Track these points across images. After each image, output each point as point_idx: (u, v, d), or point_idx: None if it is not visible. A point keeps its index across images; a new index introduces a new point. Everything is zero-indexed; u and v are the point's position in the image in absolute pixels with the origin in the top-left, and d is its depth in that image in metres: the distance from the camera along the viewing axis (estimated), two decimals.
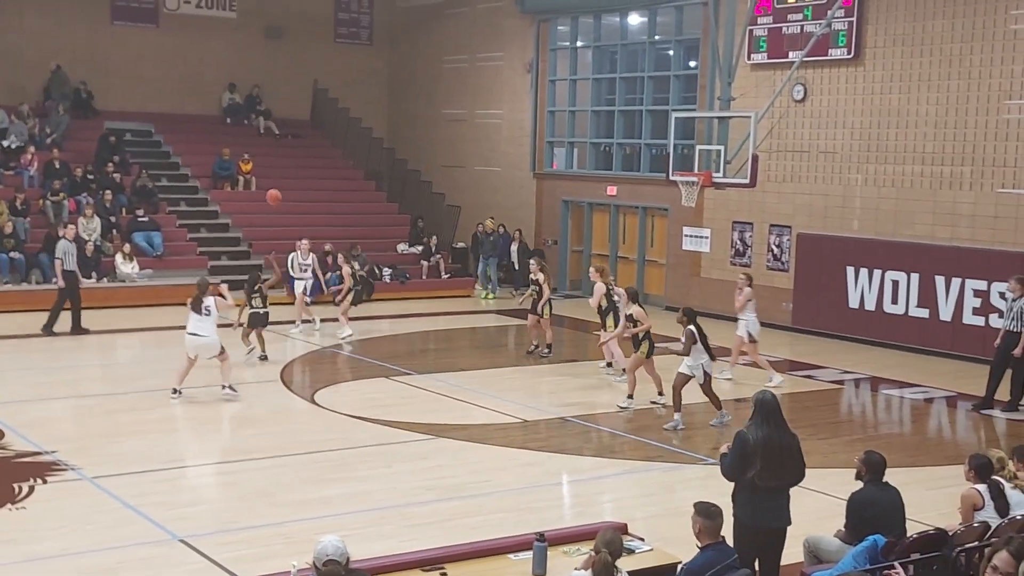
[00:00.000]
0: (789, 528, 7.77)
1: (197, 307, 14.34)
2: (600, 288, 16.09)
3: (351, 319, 19.59)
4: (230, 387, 14.53)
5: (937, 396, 16.19)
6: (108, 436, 12.88)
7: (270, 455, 12.11)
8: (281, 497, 10.83)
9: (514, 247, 26.37)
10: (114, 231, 23.86)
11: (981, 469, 8.30)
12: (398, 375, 16.45)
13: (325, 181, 28.65)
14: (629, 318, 14.74)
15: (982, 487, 8.20)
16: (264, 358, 17.10)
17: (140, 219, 24.37)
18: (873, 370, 17.73)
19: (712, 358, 13.64)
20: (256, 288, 17.26)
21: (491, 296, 25.37)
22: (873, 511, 7.85)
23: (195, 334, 14.38)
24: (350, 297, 19.57)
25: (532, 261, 18.89)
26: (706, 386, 13.65)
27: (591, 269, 17.04)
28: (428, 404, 14.84)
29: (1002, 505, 8.13)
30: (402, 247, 26.78)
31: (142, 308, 22.00)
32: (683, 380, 13.57)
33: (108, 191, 24.57)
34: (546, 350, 18.06)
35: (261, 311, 17.23)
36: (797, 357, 18.87)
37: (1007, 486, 8.30)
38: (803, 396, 16.09)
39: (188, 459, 11.92)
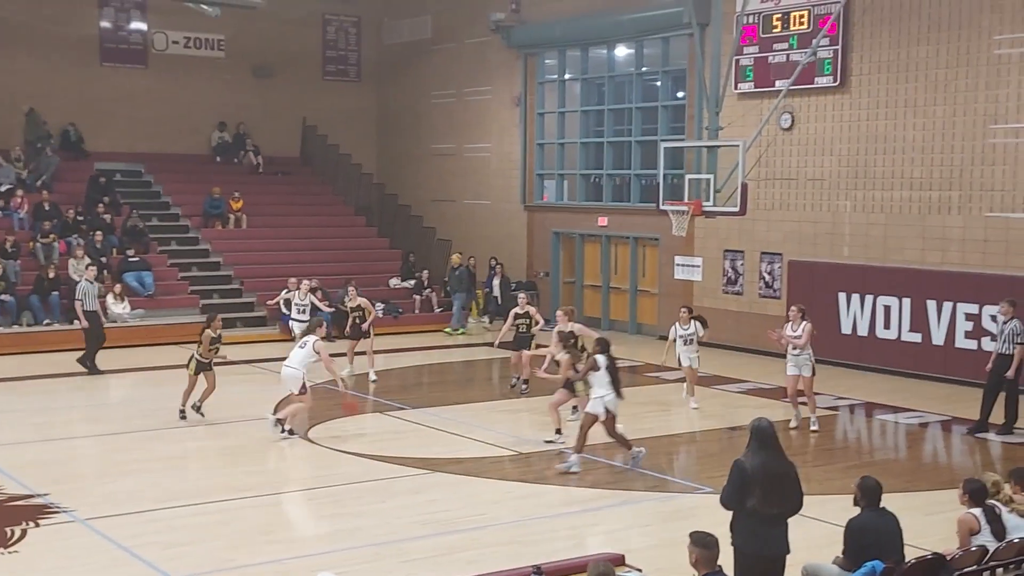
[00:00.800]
0: (788, 556, 7.74)
1: (302, 341, 14.91)
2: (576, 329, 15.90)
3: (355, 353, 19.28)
4: (289, 431, 14.49)
5: (932, 420, 16.19)
6: (101, 477, 12.81)
7: (265, 492, 12.05)
8: (277, 534, 10.77)
9: (496, 281, 26.21)
10: (105, 272, 23.81)
11: (976, 494, 8.29)
12: (392, 410, 16.40)
13: (316, 218, 28.70)
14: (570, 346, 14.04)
15: (978, 511, 8.19)
16: (186, 413, 15.65)
17: (131, 259, 24.35)
18: (867, 395, 17.72)
19: (619, 395, 12.68)
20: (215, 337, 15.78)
21: (460, 332, 24.84)
22: (871, 537, 7.83)
23: (286, 363, 14.76)
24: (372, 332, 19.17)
25: (521, 295, 18.83)
26: (609, 424, 12.74)
27: (559, 312, 16.35)
28: (422, 438, 14.80)
29: (998, 529, 8.12)
30: (394, 282, 26.79)
31: (134, 348, 21.93)
32: (591, 420, 12.74)
33: (99, 232, 24.56)
34: (524, 385, 17.71)
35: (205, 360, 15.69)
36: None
37: (1003, 510, 8.29)
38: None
39: (182, 498, 11.85)
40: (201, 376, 15.49)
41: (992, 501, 8.32)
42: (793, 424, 15.23)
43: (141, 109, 28.31)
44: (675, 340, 16.38)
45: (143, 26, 28.49)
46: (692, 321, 16.29)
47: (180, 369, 20.13)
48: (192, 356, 15.61)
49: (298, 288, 20.45)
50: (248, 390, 17.37)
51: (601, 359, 12.63)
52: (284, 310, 23.44)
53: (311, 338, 14.65)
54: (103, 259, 24.13)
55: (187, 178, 28.18)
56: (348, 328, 19.41)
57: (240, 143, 29.85)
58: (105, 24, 28.20)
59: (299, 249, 26.75)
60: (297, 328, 19.70)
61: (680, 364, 16.51)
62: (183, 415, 15.37)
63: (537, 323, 17.83)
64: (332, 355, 18.68)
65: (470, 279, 25.90)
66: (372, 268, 27.17)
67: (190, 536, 10.77)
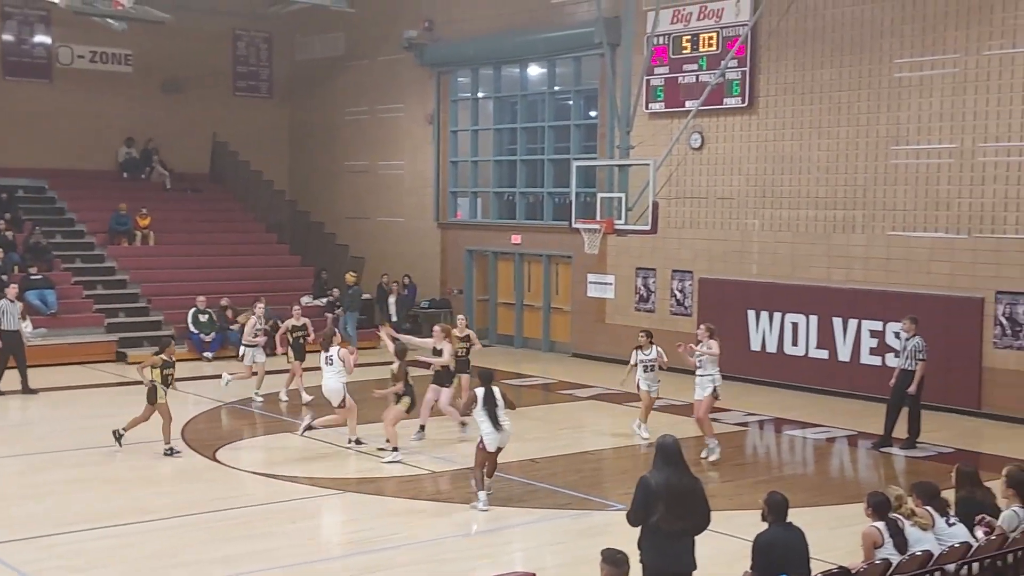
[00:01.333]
0: (695, 573, 7.80)
1: (326, 357, 14.99)
2: (449, 348, 15.76)
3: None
4: (356, 439, 14.95)
5: (838, 435, 16.49)
6: (0, 501, 12.43)
7: (170, 515, 11.81)
8: (182, 557, 10.55)
9: (391, 299, 25.71)
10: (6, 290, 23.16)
11: (879, 507, 8.47)
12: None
13: (226, 235, 28.32)
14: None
15: (881, 525, 8.36)
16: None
17: (33, 277, 23.73)
18: (776, 411, 18.00)
19: (497, 429, 12.06)
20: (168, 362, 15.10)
21: None
22: (778, 552, 7.93)
23: (325, 379, 14.96)
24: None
25: (460, 317, 18.13)
26: (492, 457, 12.30)
27: (437, 328, 16.16)
28: (335, 458, 14.64)
29: (900, 542, 8.29)
30: (306, 299, 26.48)
31: (37, 368, 21.33)
32: (481, 457, 12.25)
33: None
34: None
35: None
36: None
37: (906, 523, 8.46)
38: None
39: (84, 522, 11.55)
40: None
41: (895, 515, 8.50)
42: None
43: (45, 124, 27.68)
44: (635, 365, 15.61)
45: (47, 40, 27.91)
46: (653, 346, 15.61)
47: (83, 390, 19.81)
48: (153, 384, 14.53)
49: (252, 312, 19.19)
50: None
51: (479, 392, 12.15)
52: (193, 329, 23.12)
53: (332, 351, 14.93)
54: (3, 277, 23.49)
55: (93, 194, 27.61)
56: (291, 347, 18.38)
57: (148, 159, 29.35)
58: (8, 37, 27.55)
59: (209, 267, 26.35)
60: (251, 353, 18.49)
61: (639, 389, 15.77)
62: (170, 452, 14.52)
63: (476, 345, 16.89)
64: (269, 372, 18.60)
65: (355, 298, 25.42)
66: (284, 286, 26.84)
67: (93, 561, 10.50)
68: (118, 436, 14.65)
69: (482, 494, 12.10)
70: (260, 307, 19.09)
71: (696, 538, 7.89)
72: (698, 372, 14.76)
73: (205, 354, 22.95)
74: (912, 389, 15.21)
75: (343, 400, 14.84)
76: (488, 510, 12.05)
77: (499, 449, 12.25)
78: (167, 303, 24.53)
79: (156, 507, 12.08)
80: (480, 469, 12.17)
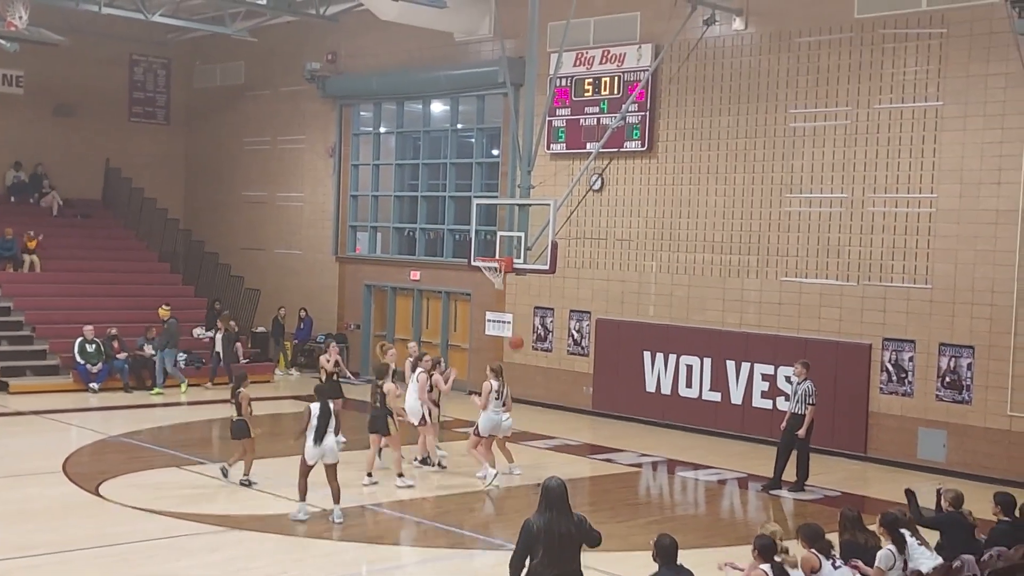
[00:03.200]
0: None
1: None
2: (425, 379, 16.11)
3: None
4: (430, 461, 15.63)
5: (729, 477, 16.68)
6: None
7: (49, 551, 11.37)
8: None
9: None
10: None
11: (764, 550, 8.56)
12: (190, 464, 15.79)
13: (117, 263, 27.62)
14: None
15: (767, 567, 8.43)
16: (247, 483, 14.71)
17: None
18: (669, 452, 18.14)
19: (316, 444, 12.72)
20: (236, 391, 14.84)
21: (157, 392, 22.58)
22: None
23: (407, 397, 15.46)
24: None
25: (334, 344, 18.42)
26: (328, 472, 12.96)
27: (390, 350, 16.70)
28: (222, 494, 14.29)
29: None
30: (198, 331, 25.97)
31: None
32: (304, 468, 12.95)
33: None
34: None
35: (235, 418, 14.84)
36: (597, 441, 19.14)
37: (788, 567, 8.56)
38: (602, 480, 16.30)
39: None
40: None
41: (778, 557, 8.59)
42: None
43: None
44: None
45: None
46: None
47: None
48: (233, 420, 14.64)
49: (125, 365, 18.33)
50: (37, 442, 16.43)
51: (313, 407, 12.87)
52: (79, 359, 22.46)
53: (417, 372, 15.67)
54: None
55: None
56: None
57: (37, 183, 28.56)
58: None
59: (98, 295, 25.66)
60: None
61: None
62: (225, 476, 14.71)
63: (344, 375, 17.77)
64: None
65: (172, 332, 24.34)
66: (175, 316, 26.26)
67: None
68: (225, 472, 14.73)
69: (303, 504, 12.81)
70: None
71: None
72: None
73: (91, 385, 22.28)
74: (801, 433, 15.42)
75: (422, 418, 15.47)
76: (305, 520, 12.67)
77: (333, 466, 12.83)
78: (53, 331, 23.80)
79: (33, 543, 11.62)
80: (303, 479, 12.85)
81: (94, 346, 22.68)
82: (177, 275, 28.49)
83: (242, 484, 14.48)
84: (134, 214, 29.47)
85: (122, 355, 22.60)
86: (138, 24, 24.99)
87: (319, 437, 12.69)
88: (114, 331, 23.25)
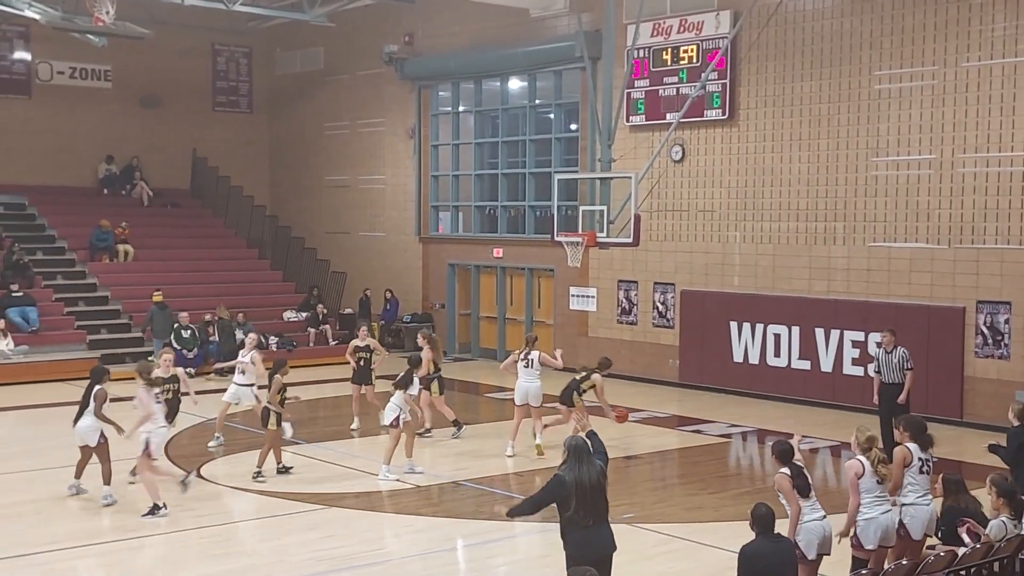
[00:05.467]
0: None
1: (527, 359, 15.51)
2: (427, 355, 16.36)
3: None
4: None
5: (821, 446, 16.53)
6: None
7: (154, 532, 11.73)
8: (166, 575, 10.47)
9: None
10: None
11: (782, 455, 9.03)
12: (286, 444, 16.10)
13: (207, 251, 28.23)
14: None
15: (786, 469, 8.89)
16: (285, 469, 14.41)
17: (14, 294, 23.62)
18: (759, 423, 18.03)
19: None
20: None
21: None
22: (763, 563, 7.94)
23: (526, 384, 15.48)
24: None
25: (363, 327, 18.40)
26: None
27: (419, 336, 17.52)
28: (318, 473, 14.58)
29: (802, 484, 8.83)
30: (288, 315, 26.46)
31: (18, 386, 21.24)
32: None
33: None
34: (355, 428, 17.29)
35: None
36: (685, 412, 19.10)
37: (866, 468, 8.88)
38: (692, 451, 16.28)
39: (68, 539, 11.46)
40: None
41: (862, 458, 8.93)
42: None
43: (25, 140, 27.58)
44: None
45: (27, 56, 27.81)
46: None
47: (65, 407, 19.61)
48: (267, 410, 14.18)
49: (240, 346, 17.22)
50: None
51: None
52: (175, 345, 22.99)
53: (533, 354, 15.56)
54: None
55: (73, 211, 27.48)
56: (354, 370, 17.48)
57: (128, 175, 29.26)
58: None
59: (190, 283, 26.24)
60: (240, 393, 16.12)
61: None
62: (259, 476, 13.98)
63: (380, 355, 17.69)
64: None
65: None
66: (266, 301, 26.81)
67: None
68: (285, 470, 14.19)
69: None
70: (252, 336, 17.03)
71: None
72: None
73: (188, 370, 22.79)
74: (902, 399, 15.06)
75: (542, 402, 15.53)
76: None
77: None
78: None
79: (139, 524, 11.98)
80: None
81: (189, 332, 23.23)
82: (266, 260, 29.01)
83: (254, 478, 13.92)
84: (222, 202, 30.04)
85: (214, 338, 23.06)
86: (219, 14, 25.40)
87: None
88: (209, 317, 23.79)
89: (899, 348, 15.20)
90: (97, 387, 12.85)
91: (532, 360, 15.57)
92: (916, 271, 18.29)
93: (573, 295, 23.28)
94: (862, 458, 8.92)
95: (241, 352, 16.41)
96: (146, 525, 11.95)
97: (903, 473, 9.18)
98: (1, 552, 10.98)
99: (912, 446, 9.31)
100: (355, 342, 17.55)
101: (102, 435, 12.82)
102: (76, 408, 13.04)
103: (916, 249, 18.26)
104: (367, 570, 10.59)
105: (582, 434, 8.70)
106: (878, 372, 15.43)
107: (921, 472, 9.27)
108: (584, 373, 15.37)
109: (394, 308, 26.94)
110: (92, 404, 12.77)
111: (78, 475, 13.09)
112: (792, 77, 19.75)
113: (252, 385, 15.93)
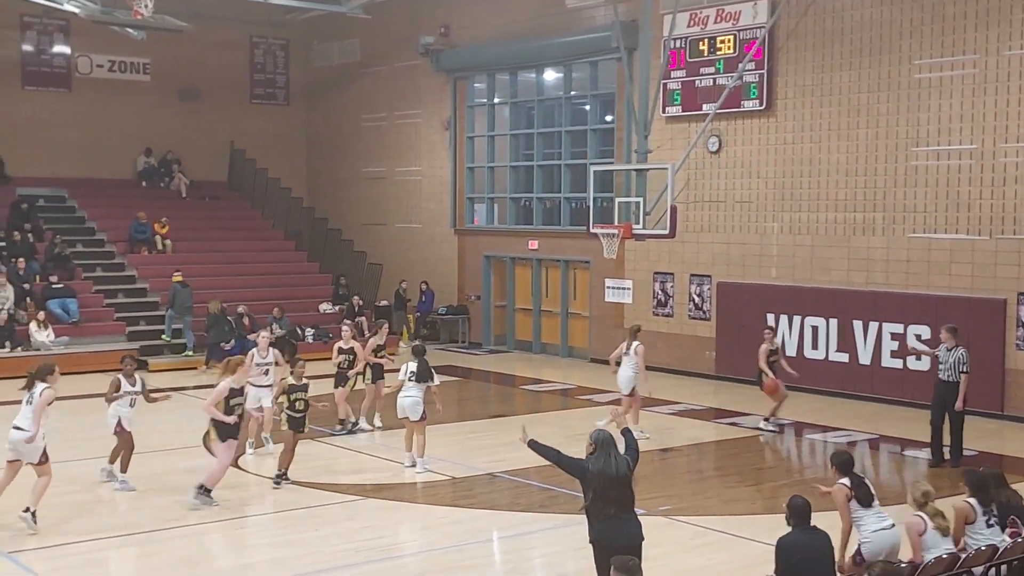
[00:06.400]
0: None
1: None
2: (372, 345, 16.62)
3: None
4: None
5: (859, 439, 16.39)
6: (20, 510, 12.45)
7: (191, 522, 11.82)
8: (204, 565, 10.57)
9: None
10: (28, 299, 23.33)
11: (843, 465, 9.02)
12: (322, 436, 16.20)
13: (244, 242, 28.42)
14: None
15: (846, 480, 8.87)
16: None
17: (55, 286, 23.88)
18: (796, 415, 17.89)
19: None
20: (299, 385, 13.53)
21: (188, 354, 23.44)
22: (800, 555, 7.90)
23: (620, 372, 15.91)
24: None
25: (345, 326, 17.33)
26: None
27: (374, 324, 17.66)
28: (354, 464, 14.63)
29: (863, 494, 8.82)
30: (324, 306, 26.58)
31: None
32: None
33: (20, 258, 24.06)
34: (342, 426, 16.54)
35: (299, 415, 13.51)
36: (721, 405, 19.01)
37: (928, 524, 8.47)
38: (728, 443, 16.21)
39: (106, 530, 11.57)
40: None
41: (919, 513, 8.55)
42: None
43: (65, 133, 27.86)
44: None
45: (66, 49, 28.08)
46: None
47: (101, 399, 19.81)
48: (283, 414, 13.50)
49: (255, 344, 15.86)
50: (175, 418, 17.04)
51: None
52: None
53: (634, 343, 15.78)
54: (26, 286, 23.63)
55: (112, 203, 27.75)
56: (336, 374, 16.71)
57: (167, 168, 29.48)
58: (27, 47, 27.75)
59: (228, 274, 26.43)
60: (259, 395, 14.78)
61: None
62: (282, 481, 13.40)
63: (359, 364, 16.38)
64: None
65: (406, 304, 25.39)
66: (302, 293, 26.95)
67: (114, 568, 10.54)
68: (279, 479, 13.36)
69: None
70: (265, 335, 16.01)
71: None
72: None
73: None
74: (959, 405, 14.28)
75: (633, 390, 15.78)
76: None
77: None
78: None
79: (177, 515, 12.08)
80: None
81: (227, 324, 23.35)
82: (303, 252, 29.15)
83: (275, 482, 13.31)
84: (259, 194, 30.21)
85: (253, 335, 23.09)
86: (256, 6, 25.54)
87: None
88: (243, 309, 23.92)
89: (958, 348, 14.37)
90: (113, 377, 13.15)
91: (632, 349, 15.86)
92: (956, 262, 18.10)
93: (609, 287, 23.17)
94: (922, 514, 8.58)
95: (257, 351, 15.13)
96: (184, 516, 12.05)
97: (963, 528, 8.72)
98: (40, 541, 11.11)
99: (972, 501, 8.86)
100: (339, 344, 16.44)
101: (119, 423, 13.01)
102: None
103: (956, 240, 18.06)
104: (404, 561, 10.63)
105: (616, 429, 8.73)
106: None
107: (988, 526, 8.76)
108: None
109: (430, 300, 26.98)
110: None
111: (112, 460, 13.28)
112: (831, 67, 19.57)
113: (271, 386, 14.77)
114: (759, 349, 16.84)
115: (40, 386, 11.47)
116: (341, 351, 16.35)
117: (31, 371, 11.67)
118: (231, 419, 12.07)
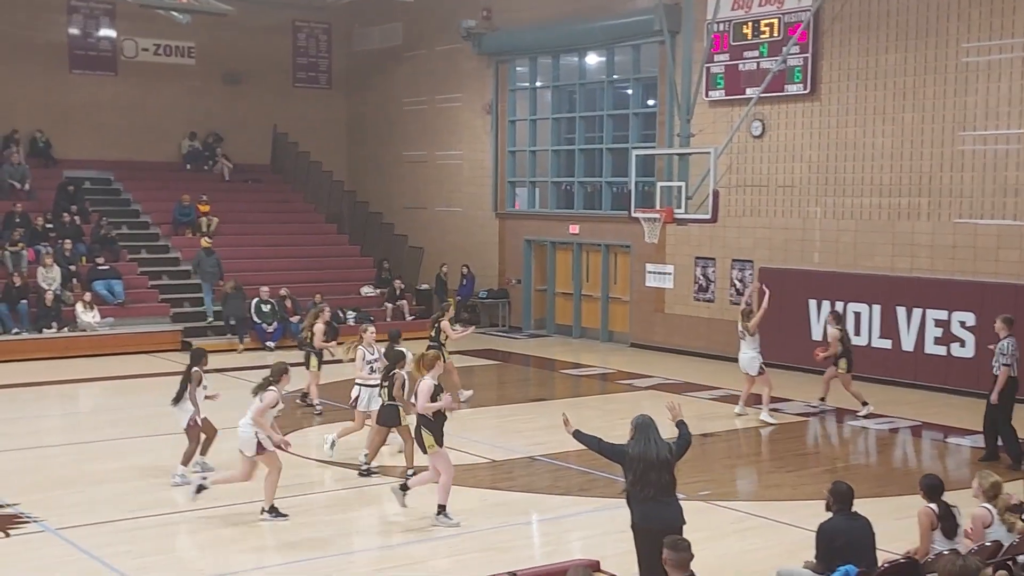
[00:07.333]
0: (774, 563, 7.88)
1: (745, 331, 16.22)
2: (321, 328, 16.74)
3: None
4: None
5: (902, 426, 16.28)
6: (71, 487, 12.67)
7: (234, 501, 11.94)
8: (247, 543, 10.69)
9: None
10: (74, 280, 23.64)
11: (930, 489, 8.49)
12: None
13: (287, 225, 28.61)
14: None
15: (933, 505, 8.37)
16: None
17: (100, 267, 24.17)
18: (838, 402, 17.76)
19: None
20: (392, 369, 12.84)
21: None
22: (842, 540, 7.88)
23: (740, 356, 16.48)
24: (844, 364, 16.72)
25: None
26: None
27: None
28: (394, 446, 14.70)
29: (949, 527, 8.27)
30: (366, 290, 26.71)
31: (104, 357, 21.77)
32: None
33: (67, 240, 24.38)
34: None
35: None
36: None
37: (995, 517, 8.30)
38: (771, 429, 16.12)
39: (152, 508, 11.74)
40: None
41: (988, 505, 8.38)
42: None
43: (110, 116, 28.15)
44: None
45: (112, 33, 28.34)
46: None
47: (150, 378, 20.08)
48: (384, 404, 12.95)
49: (360, 340, 14.29)
50: (222, 399, 17.20)
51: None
52: (256, 319, 23.39)
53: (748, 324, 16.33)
54: (72, 267, 23.95)
55: (157, 186, 28.03)
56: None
57: (210, 151, 29.72)
58: (74, 31, 28.02)
59: (270, 257, 26.64)
60: (366, 396, 13.81)
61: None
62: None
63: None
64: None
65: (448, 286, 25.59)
66: (344, 276, 27.10)
67: (161, 546, 10.68)
68: (366, 471, 13.10)
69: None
70: (371, 332, 14.30)
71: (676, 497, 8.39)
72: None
73: (268, 343, 23.22)
74: (994, 398, 13.68)
75: (760, 369, 16.25)
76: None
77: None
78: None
79: (219, 494, 12.20)
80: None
81: (269, 306, 23.59)
82: (344, 235, 29.31)
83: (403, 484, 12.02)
84: (301, 177, 30.38)
85: (295, 317, 23.28)
86: None
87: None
88: (285, 292, 24.11)
89: (1006, 338, 13.69)
90: (193, 369, 12.84)
91: (743, 331, 16.43)
92: (1004, 248, 17.88)
93: (649, 271, 23.14)
94: (989, 506, 8.39)
95: (365, 348, 13.97)
96: (225, 495, 12.17)
97: (981, 533, 8.37)
98: (88, 518, 11.29)
99: (988, 506, 8.49)
100: (362, 348, 14.18)
101: (191, 418, 12.74)
102: (176, 384, 12.96)
103: (1003, 226, 17.84)
104: (446, 542, 10.70)
105: (671, 421, 8.83)
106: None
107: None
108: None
109: (470, 284, 27.04)
110: (188, 387, 12.69)
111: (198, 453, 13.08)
112: (876, 50, 19.36)
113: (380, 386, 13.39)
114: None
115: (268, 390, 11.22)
116: (368, 362, 13.99)
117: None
118: (448, 404, 11.15)
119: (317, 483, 12.98)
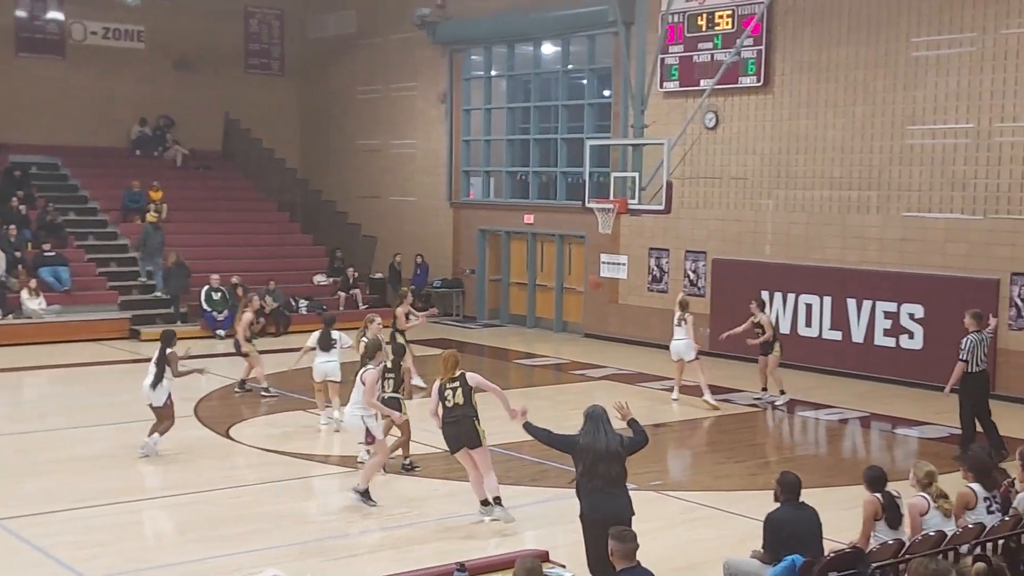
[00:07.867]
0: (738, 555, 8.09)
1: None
2: (248, 317, 16.97)
3: None
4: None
5: (851, 417, 16.43)
6: (15, 476, 12.48)
7: (183, 491, 11.83)
8: (195, 534, 10.58)
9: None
10: (19, 266, 23.27)
11: (873, 481, 8.53)
12: (314, 408, 16.19)
13: (238, 213, 28.34)
14: None
15: (878, 495, 8.43)
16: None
17: (47, 254, 23.81)
18: (789, 392, 17.90)
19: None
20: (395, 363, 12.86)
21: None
22: (790, 530, 7.92)
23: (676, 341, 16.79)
24: (778, 349, 16.79)
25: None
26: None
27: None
28: (346, 436, 14.62)
29: (893, 516, 8.35)
30: (319, 278, 26.54)
31: (50, 345, 21.45)
32: None
33: (12, 225, 23.98)
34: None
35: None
36: (715, 381, 18.95)
37: (931, 504, 8.40)
38: (721, 420, 16.23)
39: (98, 498, 11.58)
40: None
41: (923, 493, 8.48)
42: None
43: (58, 101, 27.69)
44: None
45: (60, 16, 27.88)
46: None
47: (97, 366, 19.82)
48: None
49: (365, 328, 14.40)
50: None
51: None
52: (206, 307, 23.18)
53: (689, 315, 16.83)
54: (17, 253, 23.57)
55: (105, 172, 27.64)
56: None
57: (161, 137, 29.36)
58: (21, 13, 27.54)
59: (221, 245, 26.38)
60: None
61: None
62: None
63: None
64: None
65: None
66: (295, 265, 26.91)
67: (107, 536, 10.53)
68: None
69: None
70: (377, 323, 14.41)
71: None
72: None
73: (218, 332, 22.99)
74: (946, 390, 13.59)
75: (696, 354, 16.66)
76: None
77: None
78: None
79: (168, 484, 12.11)
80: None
81: (219, 294, 23.37)
82: (296, 224, 29.08)
83: (404, 468, 12.81)
84: (253, 165, 30.10)
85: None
86: None
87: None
88: (236, 279, 23.89)
89: (973, 333, 13.52)
90: (169, 351, 13.13)
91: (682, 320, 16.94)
92: (951, 241, 18.09)
93: (604, 262, 23.19)
94: (924, 495, 8.46)
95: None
96: (174, 485, 12.03)
97: (963, 513, 8.54)
98: (32, 508, 11.12)
99: (975, 486, 8.67)
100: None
101: (169, 397, 13.12)
102: (148, 369, 13.29)
103: (951, 220, 18.04)
104: (395, 532, 10.66)
105: (615, 413, 8.78)
106: None
107: (989, 513, 8.56)
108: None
109: (424, 273, 26.95)
110: (167, 368, 13.05)
111: (151, 433, 13.21)
112: (828, 43, 19.49)
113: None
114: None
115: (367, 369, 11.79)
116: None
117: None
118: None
119: (269, 472, 12.86)
